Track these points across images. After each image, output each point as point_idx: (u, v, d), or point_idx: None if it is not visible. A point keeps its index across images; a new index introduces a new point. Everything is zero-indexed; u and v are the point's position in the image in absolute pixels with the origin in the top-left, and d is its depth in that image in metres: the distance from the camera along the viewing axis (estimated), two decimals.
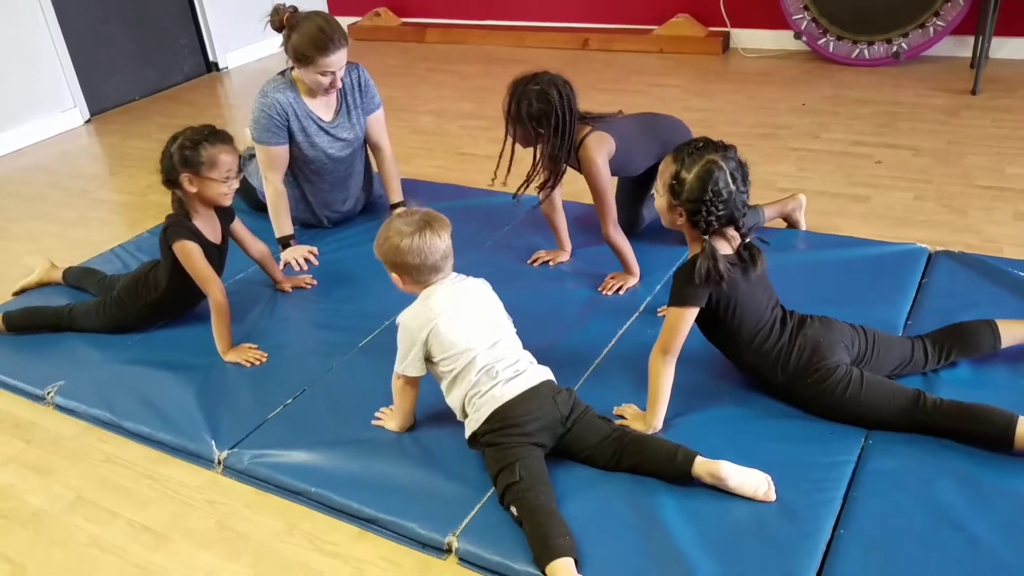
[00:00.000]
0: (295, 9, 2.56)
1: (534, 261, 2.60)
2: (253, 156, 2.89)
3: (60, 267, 2.75)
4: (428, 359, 1.78)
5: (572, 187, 2.43)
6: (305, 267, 2.65)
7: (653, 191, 1.93)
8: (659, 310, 2.25)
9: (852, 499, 1.60)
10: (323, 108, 2.73)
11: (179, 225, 2.23)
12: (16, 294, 2.73)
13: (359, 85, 2.77)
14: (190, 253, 2.21)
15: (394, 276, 1.81)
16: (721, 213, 1.68)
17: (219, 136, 2.20)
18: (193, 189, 2.19)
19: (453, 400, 1.79)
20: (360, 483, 1.78)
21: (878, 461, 1.68)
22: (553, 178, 2.36)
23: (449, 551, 1.62)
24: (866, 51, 4.16)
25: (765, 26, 4.58)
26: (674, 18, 4.75)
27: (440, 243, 1.75)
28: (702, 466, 1.62)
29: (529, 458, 1.66)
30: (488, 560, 1.57)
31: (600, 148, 2.30)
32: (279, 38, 2.61)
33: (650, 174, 2.42)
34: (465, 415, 1.77)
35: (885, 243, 2.50)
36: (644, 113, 2.58)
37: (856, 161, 3.18)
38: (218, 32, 5.22)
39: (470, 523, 1.64)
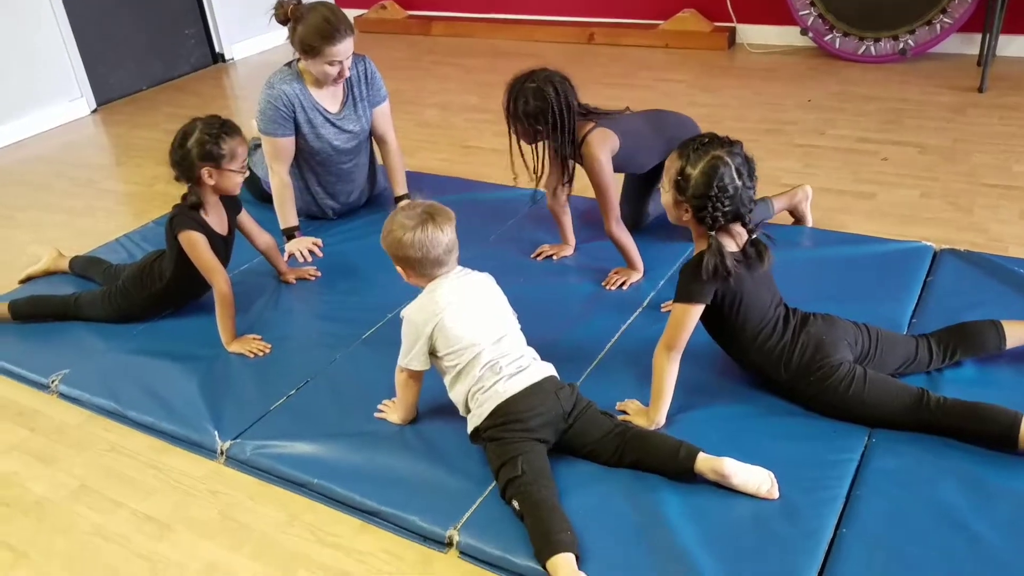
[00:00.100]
0: (299, 1, 2.56)
1: (538, 255, 2.60)
2: (258, 146, 2.90)
3: (67, 256, 2.76)
4: (433, 353, 1.78)
5: (577, 182, 2.43)
6: (309, 259, 2.65)
7: (659, 186, 1.93)
8: (663, 306, 2.25)
9: (855, 498, 1.60)
10: (329, 100, 2.73)
11: (185, 215, 2.23)
12: (22, 282, 2.74)
13: (365, 77, 2.77)
14: (195, 243, 2.21)
15: (399, 269, 1.81)
16: (727, 209, 1.67)
17: (232, 127, 2.22)
18: (212, 182, 2.20)
19: (456, 395, 1.79)
20: (362, 475, 1.79)
21: (881, 460, 1.68)
22: (564, 175, 2.36)
23: (450, 544, 1.62)
24: (872, 48, 4.14)
25: (771, 22, 4.57)
26: (680, 13, 4.73)
27: (443, 237, 1.74)
28: (705, 463, 1.62)
29: (531, 452, 1.66)
30: (489, 554, 1.58)
31: (603, 145, 2.29)
32: (285, 30, 2.61)
33: (656, 171, 2.42)
34: (468, 411, 1.77)
35: (890, 240, 2.50)
36: (652, 110, 2.57)
37: (862, 158, 3.17)
38: (224, 23, 5.22)
39: (471, 517, 1.65)
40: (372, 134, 2.88)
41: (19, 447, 2.04)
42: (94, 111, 4.59)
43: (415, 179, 3.04)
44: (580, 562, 1.49)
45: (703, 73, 4.29)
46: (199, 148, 2.16)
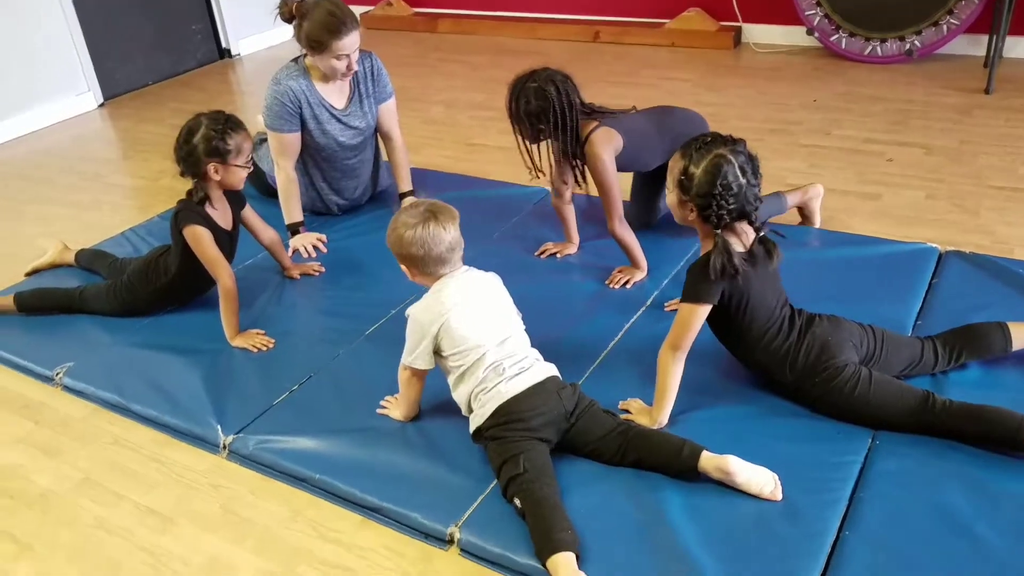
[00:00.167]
0: None
1: (541, 253, 2.60)
2: (264, 141, 2.90)
3: (72, 249, 2.77)
4: (437, 353, 1.78)
5: None
6: (314, 254, 2.66)
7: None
8: (666, 305, 2.25)
9: (858, 500, 1.60)
10: (336, 96, 2.73)
11: (190, 210, 2.23)
12: (29, 275, 2.75)
13: (371, 74, 2.77)
14: (200, 238, 2.21)
15: (404, 268, 1.81)
16: (732, 207, 1.67)
17: (237, 122, 2.22)
18: (218, 177, 2.20)
19: (460, 395, 1.79)
20: (364, 471, 1.79)
21: (885, 462, 1.67)
22: (572, 174, 2.36)
23: (451, 542, 1.63)
24: (879, 48, 4.13)
25: (777, 21, 4.55)
26: (686, 12, 4.72)
27: (445, 235, 1.74)
28: (709, 461, 1.62)
29: (533, 451, 1.66)
30: (490, 552, 1.58)
31: (606, 144, 2.29)
32: (291, 26, 2.61)
33: (664, 169, 2.41)
34: (470, 410, 1.77)
35: (895, 242, 2.49)
36: (658, 107, 2.56)
37: (867, 159, 3.17)
38: (231, 19, 5.23)
39: (472, 514, 1.65)
40: (378, 130, 2.88)
41: (24, 439, 2.05)
42: (101, 105, 4.60)
43: (420, 176, 3.04)
44: (581, 561, 1.49)
45: (708, 72, 4.29)
46: (205, 144, 2.16)
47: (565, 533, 1.51)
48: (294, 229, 2.71)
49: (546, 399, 1.71)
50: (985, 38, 3.99)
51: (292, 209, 2.72)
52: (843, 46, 4.22)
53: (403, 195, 2.84)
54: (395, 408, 1.93)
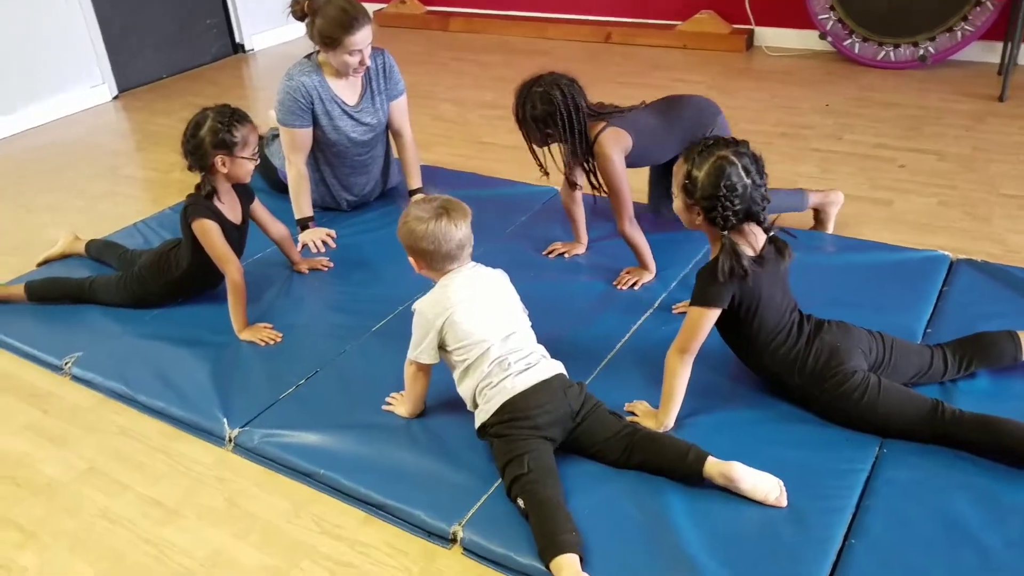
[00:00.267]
0: None
1: (550, 252, 2.60)
2: (276, 136, 2.91)
3: (83, 239, 2.78)
4: (442, 347, 1.78)
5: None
6: (323, 249, 2.66)
7: None
8: (674, 307, 2.24)
9: (864, 508, 1.59)
10: (348, 92, 2.73)
11: (199, 204, 2.24)
12: (40, 265, 2.76)
13: (383, 70, 2.78)
14: (209, 231, 2.22)
15: (411, 260, 1.82)
16: (738, 208, 1.66)
17: (242, 115, 2.23)
18: (225, 170, 2.21)
19: (464, 390, 1.79)
20: (368, 468, 1.79)
21: (892, 471, 1.66)
22: (585, 175, 2.37)
23: (454, 540, 1.62)
24: (892, 53, 4.11)
25: (790, 25, 4.54)
26: (698, 14, 4.71)
27: (456, 232, 1.74)
28: (714, 467, 1.61)
29: (538, 451, 1.65)
30: (493, 552, 1.57)
31: (614, 144, 2.29)
32: (304, 23, 2.62)
33: (677, 159, 2.41)
34: (475, 406, 1.77)
35: (906, 249, 2.48)
36: (667, 98, 2.53)
37: (879, 164, 3.15)
38: (246, 14, 5.25)
39: (476, 514, 1.64)
40: (388, 127, 2.88)
41: (32, 427, 2.06)
42: (115, 97, 4.62)
43: (429, 173, 3.04)
44: (584, 563, 1.49)
45: (720, 75, 4.27)
46: (212, 136, 2.17)
47: (569, 535, 1.51)
48: (304, 224, 2.72)
49: (552, 397, 1.71)
50: (1000, 45, 3.97)
51: (302, 204, 2.72)
52: (856, 51, 4.20)
53: (413, 192, 2.85)
54: (400, 404, 1.93)
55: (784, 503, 1.59)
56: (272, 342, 2.24)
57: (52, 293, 2.49)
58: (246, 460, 1.89)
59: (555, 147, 2.38)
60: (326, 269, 2.60)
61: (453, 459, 1.78)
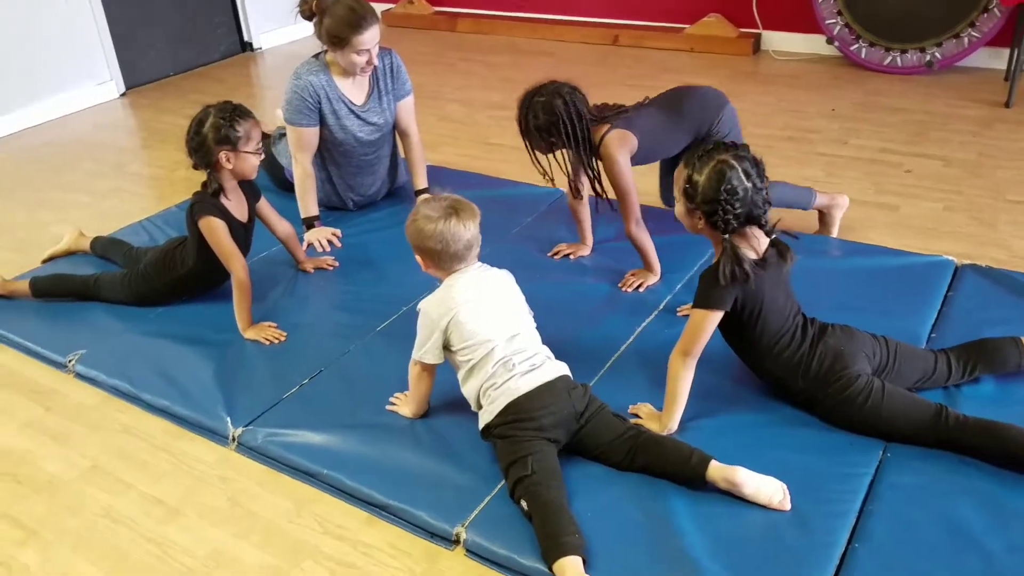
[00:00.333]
0: None
1: (555, 254, 2.60)
2: (283, 135, 2.91)
3: (89, 236, 2.78)
4: (447, 347, 1.78)
5: None
6: (328, 249, 2.66)
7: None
8: (679, 310, 2.24)
9: (867, 513, 1.59)
10: (355, 91, 2.74)
11: (205, 202, 2.24)
12: (45, 261, 2.77)
13: (391, 70, 2.78)
14: (215, 229, 2.22)
15: (418, 258, 1.82)
16: (739, 211, 1.66)
17: (244, 110, 2.24)
18: (230, 166, 2.22)
19: (469, 390, 1.79)
20: (371, 468, 1.79)
21: (895, 475, 1.66)
22: (591, 181, 2.37)
23: (457, 542, 1.62)
24: (899, 59, 4.10)
25: (797, 29, 4.53)
26: (706, 18, 4.71)
27: (464, 232, 1.75)
28: (717, 471, 1.61)
29: (542, 452, 1.65)
30: (496, 553, 1.57)
31: (620, 147, 2.29)
32: (312, 23, 2.62)
33: (686, 151, 2.41)
34: (480, 406, 1.77)
35: (911, 253, 2.47)
36: (671, 91, 2.52)
37: (885, 169, 3.15)
38: (254, 13, 5.26)
39: (479, 515, 1.64)
40: (395, 127, 2.89)
41: (34, 425, 2.06)
42: (122, 95, 4.63)
43: (436, 173, 3.04)
44: (587, 565, 1.49)
45: (727, 78, 4.27)
46: (215, 132, 2.17)
47: (572, 537, 1.51)
48: (309, 223, 2.72)
49: (556, 398, 1.71)
50: (1007, 51, 3.95)
51: (308, 203, 2.73)
52: (863, 56, 4.19)
53: (419, 192, 2.85)
54: (404, 405, 1.93)
55: (787, 507, 1.59)
56: (276, 341, 2.24)
57: (57, 290, 2.49)
58: (249, 459, 1.89)
59: (559, 154, 2.38)
60: (331, 268, 2.61)
61: (457, 460, 1.78)
